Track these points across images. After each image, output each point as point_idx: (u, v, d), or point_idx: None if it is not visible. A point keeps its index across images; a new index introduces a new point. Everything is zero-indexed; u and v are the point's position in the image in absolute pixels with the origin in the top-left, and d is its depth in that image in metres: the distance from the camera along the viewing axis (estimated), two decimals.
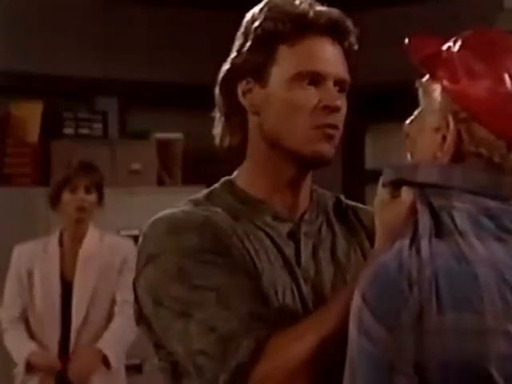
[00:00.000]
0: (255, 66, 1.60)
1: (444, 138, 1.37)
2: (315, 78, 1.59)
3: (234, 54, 1.63)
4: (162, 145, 4.72)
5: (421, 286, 1.27)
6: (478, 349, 1.26)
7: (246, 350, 1.46)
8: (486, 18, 3.91)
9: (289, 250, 1.62)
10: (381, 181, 1.43)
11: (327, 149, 1.58)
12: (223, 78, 1.63)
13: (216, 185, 1.67)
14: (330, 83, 1.59)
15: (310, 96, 1.58)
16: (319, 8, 1.62)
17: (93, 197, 3.67)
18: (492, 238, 1.32)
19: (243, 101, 1.61)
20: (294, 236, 1.64)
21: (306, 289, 1.61)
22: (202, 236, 1.55)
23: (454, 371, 1.26)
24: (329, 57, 1.60)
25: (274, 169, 1.62)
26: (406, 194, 1.39)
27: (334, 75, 1.60)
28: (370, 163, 5.35)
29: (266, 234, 1.61)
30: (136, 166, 4.53)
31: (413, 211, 1.37)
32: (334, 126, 1.59)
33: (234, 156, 1.66)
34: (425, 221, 1.34)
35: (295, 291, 1.60)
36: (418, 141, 1.42)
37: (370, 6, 4.99)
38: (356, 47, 1.64)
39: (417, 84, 1.44)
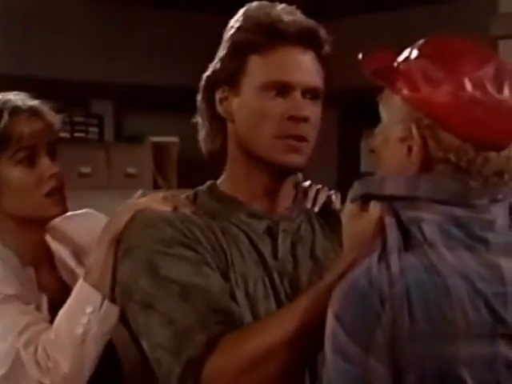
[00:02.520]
0: (229, 75, 1.62)
1: (410, 148, 1.36)
2: (283, 88, 1.59)
3: (214, 61, 1.65)
4: (158, 148, 4.71)
5: (392, 301, 1.26)
6: (452, 357, 1.25)
7: (199, 345, 1.45)
8: (480, 22, 3.90)
9: (264, 246, 1.63)
10: (349, 196, 1.42)
11: (293, 159, 1.59)
12: (204, 84, 1.66)
13: (201, 186, 1.70)
14: (298, 93, 1.59)
15: (276, 106, 1.58)
16: (291, 17, 1.61)
17: None
18: (462, 248, 1.31)
19: (219, 108, 1.64)
20: (271, 232, 1.64)
21: (279, 282, 1.61)
22: (174, 229, 1.57)
23: (432, 380, 1.25)
24: (298, 66, 1.60)
25: (250, 174, 1.64)
26: (374, 207, 1.37)
27: (303, 85, 1.59)
28: (365, 166, 5.36)
29: (241, 230, 1.62)
30: (131, 170, 4.52)
31: (381, 225, 1.35)
32: (300, 138, 1.59)
33: (218, 161, 1.69)
34: (393, 235, 1.32)
35: (267, 284, 1.60)
36: (383, 154, 1.40)
37: (363, 11, 4.99)
38: (329, 53, 1.62)
39: (377, 99, 1.42)
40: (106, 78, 4.73)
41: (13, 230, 1.86)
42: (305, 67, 1.61)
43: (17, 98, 1.85)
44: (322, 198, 1.76)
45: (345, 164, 5.05)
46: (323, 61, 1.63)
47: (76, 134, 4.50)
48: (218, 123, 1.65)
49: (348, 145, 5.05)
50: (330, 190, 1.82)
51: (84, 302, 1.73)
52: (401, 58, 1.40)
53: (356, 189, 1.40)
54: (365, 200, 1.39)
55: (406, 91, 1.36)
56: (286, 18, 1.61)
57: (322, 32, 1.63)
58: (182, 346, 1.48)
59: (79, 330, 1.72)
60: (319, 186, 1.79)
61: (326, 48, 1.63)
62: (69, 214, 1.95)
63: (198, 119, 1.69)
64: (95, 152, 4.43)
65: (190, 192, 1.70)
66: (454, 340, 1.26)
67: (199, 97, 1.67)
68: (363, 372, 1.27)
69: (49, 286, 1.87)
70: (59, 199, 1.85)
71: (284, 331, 1.43)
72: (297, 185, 1.72)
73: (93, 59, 4.74)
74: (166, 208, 1.63)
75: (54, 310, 1.84)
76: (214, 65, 1.65)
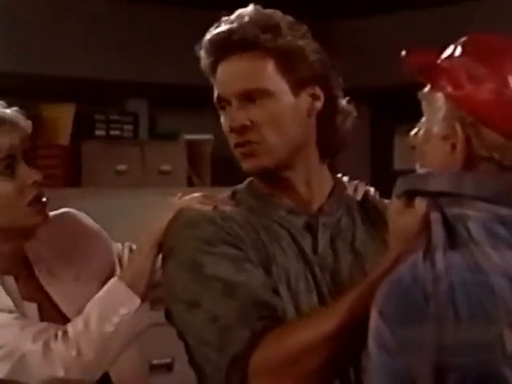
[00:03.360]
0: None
1: (453, 145, 1.36)
2: (222, 102, 1.65)
3: None
4: (192, 146, 4.71)
5: (437, 299, 1.26)
6: (495, 356, 1.25)
7: (243, 340, 1.47)
8: (502, 21, 3.87)
9: (305, 241, 1.63)
10: (394, 192, 1.42)
11: (250, 164, 1.64)
12: None
13: (240, 185, 1.73)
14: (233, 102, 1.62)
15: (224, 121, 1.66)
16: (217, 31, 1.64)
17: None
18: (506, 247, 1.31)
19: None
20: (310, 227, 1.65)
21: (321, 276, 1.62)
22: (216, 227, 1.59)
23: (472, 380, 1.25)
24: (225, 77, 1.64)
25: (261, 179, 1.70)
26: (420, 203, 1.37)
27: (234, 93, 1.62)
28: (398, 164, 5.33)
29: (281, 226, 1.63)
30: (166, 167, 4.53)
31: (426, 221, 1.35)
32: (243, 144, 1.63)
33: None
34: (438, 232, 1.32)
35: (309, 278, 1.61)
36: (426, 151, 1.40)
37: (398, 9, 4.96)
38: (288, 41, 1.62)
39: (419, 96, 1.42)
40: (141, 77, 4.74)
41: None
42: (233, 74, 1.63)
43: None
44: (361, 190, 1.77)
45: (378, 161, 5.02)
46: (275, 53, 1.61)
47: (111, 133, 4.52)
48: None
49: (381, 142, 5.02)
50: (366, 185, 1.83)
51: (119, 302, 1.73)
52: (443, 56, 1.41)
53: (401, 185, 1.40)
54: (410, 196, 1.38)
55: (449, 89, 1.36)
56: (218, 32, 1.64)
57: (251, 29, 1.62)
58: (226, 342, 1.49)
59: (110, 328, 1.74)
60: (357, 182, 1.80)
61: (267, 39, 1.61)
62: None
63: None
64: (130, 150, 4.44)
65: (228, 192, 1.73)
66: (497, 340, 1.25)
67: None
68: (406, 368, 1.27)
69: (31, 295, 1.85)
70: (41, 207, 1.84)
71: (328, 326, 1.44)
72: (335, 178, 1.73)
73: (128, 59, 4.76)
74: (207, 207, 1.64)
75: (40, 318, 1.83)
76: None
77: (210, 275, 1.53)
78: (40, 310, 1.84)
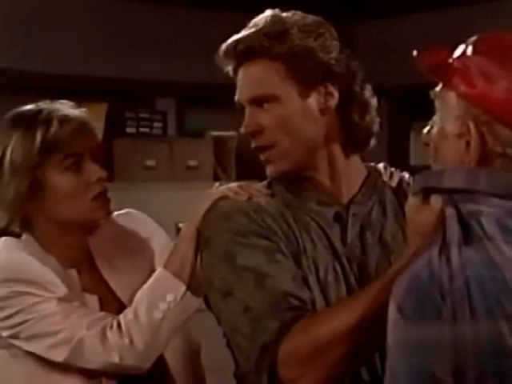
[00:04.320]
0: None
1: (468, 143, 1.35)
2: (240, 107, 1.68)
3: None
4: (218, 142, 4.74)
5: (453, 295, 1.25)
6: None
7: (273, 330, 1.48)
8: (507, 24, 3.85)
9: (334, 232, 1.64)
10: (411, 189, 1.42)
11: (269, 171, 1.66)
12: None
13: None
14: (246, 108, 1.66)
15: (242, 128, 1.67)
16: (230, 40, 1.69)
17: None
18: None
19: None
20: (341, 218, 1.65)
21: (349, 268, 1.62)
22: (249, 219, 1.60)
23: (491, 376, 1.24)
24: (241, 83, 1.67)
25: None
26: (435, 200, 1.36)
27: (245, 99, 1.66)
28: (414, 159, 5.32)
29: (312, 218, 1.64)
30: (193, 163, 4.56)
31: (442, 217, 1.34)
32: (259, 148, 1.65)
33: None
34: (453, 228, 1.31)
35: (338, 269, 1.62)
36: (441, 148, 1.39)
37: (415, 10, 4.96)
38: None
39: (431, 94, 1.42)
40: (170, 77, 4.77)
41: (55, 235, 1.84)
42: (246, 81, 1.67)
43: (64, 106, 1.87)
44: (396, 177, 1.76)
45: (394, 157, 5.03)
46: (280, 58, 1.63)
47: (141, 130, 4.55)
48: None
49: (397, 138, 5.02)
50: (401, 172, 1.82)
51: (165, 290, 1.75)
52: (455, 55, 1.39)
53: (417, 182, 1.40)
54: (426, 193, 1.37)
55: (462, 88, 1.35)
56: (230, 41, 1.68)
57: (262, 36, 1.65)
58: (256, 332, 1.50)
59: (158, 316, 1.74)
60: (392, 169, 1.79)
61: (269, 45, 1.63)
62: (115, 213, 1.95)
63: None
64: (159, 146, 4.48)
65: (265, 182, 1.74)
66: None
67: None
68: (425, 364, 1.26)
69: (92, 288, 1.88)
70: (104, 202, 1.86)
71: (353, 317, 1.45)
72: (369, 167, 1.73)
73: (157, 59, 4.80)
74: (242, 197, 1.65)
75: (101, 310, 1.86)
76: None
77: (243, 266, 1.54)
78: (101, 302, 1.86)
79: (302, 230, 1.62)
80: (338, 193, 1.67)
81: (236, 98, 1.68)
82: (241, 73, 1.67)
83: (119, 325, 1.76)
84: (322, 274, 1.60)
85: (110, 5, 4.68)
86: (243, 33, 1.67)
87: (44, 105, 1.87)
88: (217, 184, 1.77)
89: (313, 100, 1.64)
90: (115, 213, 1.96)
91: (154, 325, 1.74)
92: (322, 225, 1.64)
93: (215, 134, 4.76)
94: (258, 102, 1.64)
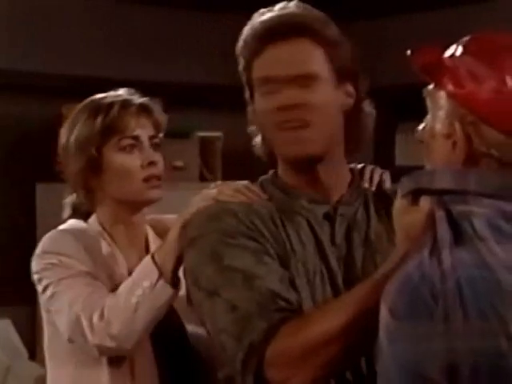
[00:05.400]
0: (246, 86, 1.68)
1: (455, 143, 1.34)
2: (270, 83, 1.60)
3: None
4: (204, 143, 4.73)
5: (445, 297, 1.24)
6: (505, 352, 1.23)
7: (260, 331, 1.47)
8: (508, 25, 3.86)
9: (323, 231, 1.63)
10: (399, 191, 1.41)
11: (294, 152, 1.60)
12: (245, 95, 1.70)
13: (265, 176, 1.72)
14: (284, 84, 1.59)
15: (266, 103, 1.61)
16: (270, 15, 1.63)
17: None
18: (511, 242, 1.29)
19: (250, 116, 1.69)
20: (329, 217, 1.65)
21: (337, 268, 1.61)
22: (238, 220, 1.59)
23: (484, 375, 1.23)
24: (277, 59, 1.61)
25: (289, 168, 1.66)
26: (425, 201, 1.35)
27: (286, 75, 1.59)
28: (400, 160, 5.33)
29: (303, 216, 1.63)
30: (179, 163, 4.55)
31: (431, 219, 1.33)
32: (291, 126, 1.59)
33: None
34: (444, 229, 1.30)
35: (324, 270, 1.61)
36: (431, 147, 1.39)
37: (406, 11, 4.96)
38: (330, 32, 1.63)
39: (424, 93, 1.41)
40: (155, 76, 4.76)
41: (110, 210, 1.98)
42: (285, 58, 1.60)
43: (127, 93, 2.01)
44: (376, 178, 1.76)
45: (380, 157, 5.03)
46: (326, 43, 1.61)
47: None
48: None
49: (383, 138, 5.02)
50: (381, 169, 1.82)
51: (144, 276, 1.81)
52: (447, 55, 1.39)
53: (405, 184, 1.38)
54: (415, 194, 1.36)
55: (451, 87, 1.35)
56: (270, 16, 1.62)
57: (309, 17, 1.62)
58: (244, 332, 1.49)
59: (134, 300, 1.81)
60: (372, 167, 1.78)
61: (325, 30, 1.62)
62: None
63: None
64: None
65: (258, 181, 1.72)
66: (506, 335, 1.23)
67: (249, 108, 1.71)
68: (418, 365, 1.24)
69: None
70: (155, 186, 1.98)
71: (341, 319, 1.44)
72: (352, 169, 1.73)
73: (143, 59, 4.78)
74: (236, 199, 1.63)
75: None
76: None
77: (231, 266, 1.53)
78: None
79: (292, 231, 1.62)
80: (329, 192, 1.67)
81: (267, 73, 1.61)
82: (276, 49, 1.61)
83: (103, 308, 1.82)
84: (311, 276, 1.60)
85: (88, 5, 4.67)
86: (283, 11, 1.63)
87: (112, 93, 2.03)
88: (213, 185, 1.77)
89: (340, 94, 1.64)
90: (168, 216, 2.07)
91: (130, 309, 1.80)
92: (312, 223, 1.63)
93: (201, 134, 4.75)
94: (301, 79, 1.59)
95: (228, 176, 4.85)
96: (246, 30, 1.65)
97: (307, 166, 1.64)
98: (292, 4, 1.65)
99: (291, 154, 1.61)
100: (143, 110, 1.99)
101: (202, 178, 4.70)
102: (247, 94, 1.69)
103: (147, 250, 1.98)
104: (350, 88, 1.66)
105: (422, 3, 4.85)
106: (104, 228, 1.97)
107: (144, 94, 5.28)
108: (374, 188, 1.74)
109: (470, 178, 1.33)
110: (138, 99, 2.00)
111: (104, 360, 1.86)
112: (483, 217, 1.30)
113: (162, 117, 2.04)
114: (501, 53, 1.35)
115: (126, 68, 4.70)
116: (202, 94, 4.96)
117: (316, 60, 1.60)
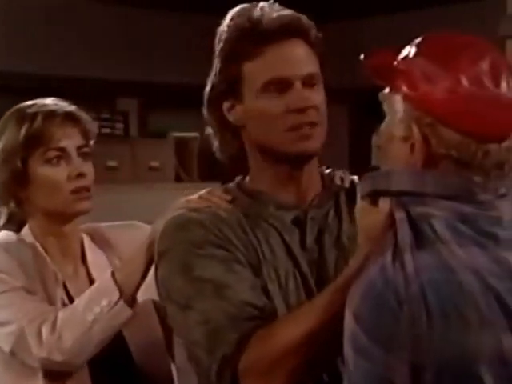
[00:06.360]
0: (229, 86, 1.61)
1: (412, 146, 1.33)
2: (281, 84, 1.58)
3: (212, 74, 1.65)
4: (180, 143, 4.72)
5: (410, 302, 1.24)
6: (468, 353, 1.23)
7: (232, 342, 1.46)
8: (488, 23, 3.88)
9: (292, 237, 1.61)
10: (358, 192, 1.40)
11: (307, 146, 1.59)
12: (208, 99, 1.65)
13: (230, 183, 1.70)
14: (298, 84, 1.58)
15: (280, 103, 1.57)
16: (270, 16, 1.60)
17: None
18: (472, 244, 1.28)
19: (229, 117, 1.63)
20: (299, 222, 1.63)
21: (309, 272, 1.60)
22: (205, 230, 1.57)
23: (448, 377, 1.23)
24: (289, 59, 1.59)
25: (271, 169, 1.63)
26: (383, 203, 1.34)
27: (299, 75, 1.58)
28: (376, 161, 5.35)
29: (270, 224, 1.61)
30: (155, 164, 4.53)
31: (391, 220, 1.32)
32: (310, 124, 1.58)
33: (240, 162, 1.70)
34: (404, 231, 1.29)
35: (297, 275, 1.59)
36: (389, 151, 1.37)
37: (371, 13, 4.98)
38: (320, 37, 1.62)
39: (380, 97, 1.39)
40: (132, 77, 4.75)
41: (40, 222, 1.92)
42: (295, 58, 1.59)
43: (53, 102, 1.92)
44: (347, 179, 1.75)
45: (356, 159, 5.04)
46: (315, 45, 1.62)
47: (103, 130, 4.51)
48: (230, 131, 1.64)
49: (359, 140, 5.03)
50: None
51: (103, 294, 1.77)
52: (400, 57, 1.37)
53: (364, 185, 1.37)
54: (374, 196, 1.35)
55: (405, 90, 1.33)
56: (266, 17, 1.60)
57: (303, 19, 1.62)
58: (215, 345, 1.47)
59: (90, 317, 1.77)
60: (341, 172, 1.77)
61: (313, 32, 1.62)
62: (116, 223, 2.02)
63: (209, 130, 1.68)
64: (121, 147, 4.45)
65: (221, 188, 1.69)
66: (468, 336, 1.23)
67: (205, 111, 1.66)
68: (384, 371, 1.24)
69: (74, 281, 1.91)
70: (84, 197, 1.90)
71: (308, 324, 1.43)
72: (322, 174, 1.71)
73: (119, 59, 4.76)
74: (201, 206, 1.61)
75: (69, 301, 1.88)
76: (212, 79, 1.64)
77: (200, 277, 1.52)
78: (68, 295, 1.89)
79: (261, 237, 1.60)
80: (305, 193, 1.65)
81: (280, 73, 1.58)
82: (284, 49, 1.59)
83: (55, 320, 1.78)
84: (283, 282, 1.58)
85: (70, 6, 4.64)
86: (286, 12, 1.61)
87: (39, 101, 1.95)
88: (183, 199, 1.74)
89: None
90: (119, 223, 2.03)
91: (85, 325, 1.76)
92: (280, 230, 1.62)
93: (177, 134, 4.74)
94: (311, 79, 1.59)
95: (204, 176, 4.86)
96: (228, 32, 1.62)
97: (302, 164, 1.63)
98: (272, 4, 1.63)
99: (300, 149, 1.59)
100: (69, 119, 1.91)
101: (178, 179, 4.68)
102: (226, 96, 1.63)
103: (83, 259, 1.94)
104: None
105: (399, 4, 4.87)
106: (36, 239, 1.92)
107: (120, 94, 5.26)
108: (346, 186, 1.73)
109: (428, 179, 1.31)
110: (64, 108, 1.92)
111: (40, 374, 1.81)
112: (442, 218, 1.29)
113: (90, 125, 1.95)
114: (454, 53, 1.33)
115: (101, 69, 4.68)
116: (177, 94, 4.95)
117: (314, 60, 1.61)
